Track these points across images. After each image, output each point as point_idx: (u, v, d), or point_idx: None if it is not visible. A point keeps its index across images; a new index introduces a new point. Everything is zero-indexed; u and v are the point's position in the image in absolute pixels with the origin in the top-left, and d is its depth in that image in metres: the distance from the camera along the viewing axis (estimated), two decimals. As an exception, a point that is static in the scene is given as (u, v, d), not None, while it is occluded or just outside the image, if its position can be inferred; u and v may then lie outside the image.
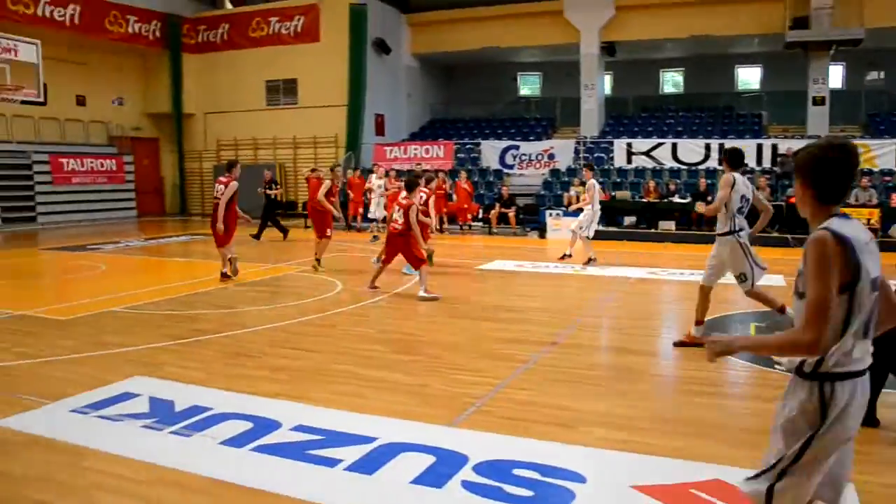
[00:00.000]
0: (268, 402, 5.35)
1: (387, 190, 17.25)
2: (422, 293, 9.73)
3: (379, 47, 24.52)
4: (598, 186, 13.24)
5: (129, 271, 12.49)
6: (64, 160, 22.70)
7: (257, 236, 17.51)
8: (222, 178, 11.13)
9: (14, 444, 4.54)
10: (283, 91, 25.41)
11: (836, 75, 25.09)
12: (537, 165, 22.42)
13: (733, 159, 7.14)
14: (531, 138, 24.90)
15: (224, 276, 11.20)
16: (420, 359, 6.74)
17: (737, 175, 7.00)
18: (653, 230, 18.53)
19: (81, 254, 15.10)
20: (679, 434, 4.87)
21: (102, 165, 23.84)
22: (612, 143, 23.14)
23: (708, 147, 21.35)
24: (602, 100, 25.86)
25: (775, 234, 17.37)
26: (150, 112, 26.97)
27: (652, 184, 19.46)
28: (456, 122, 28.33)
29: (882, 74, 26.23)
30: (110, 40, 23.40)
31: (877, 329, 2.53)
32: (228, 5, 27.69)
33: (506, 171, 22.57)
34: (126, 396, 5.46)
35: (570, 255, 13.57)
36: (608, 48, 25.16)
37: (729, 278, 7.47)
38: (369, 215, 18.87)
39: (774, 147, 20.87)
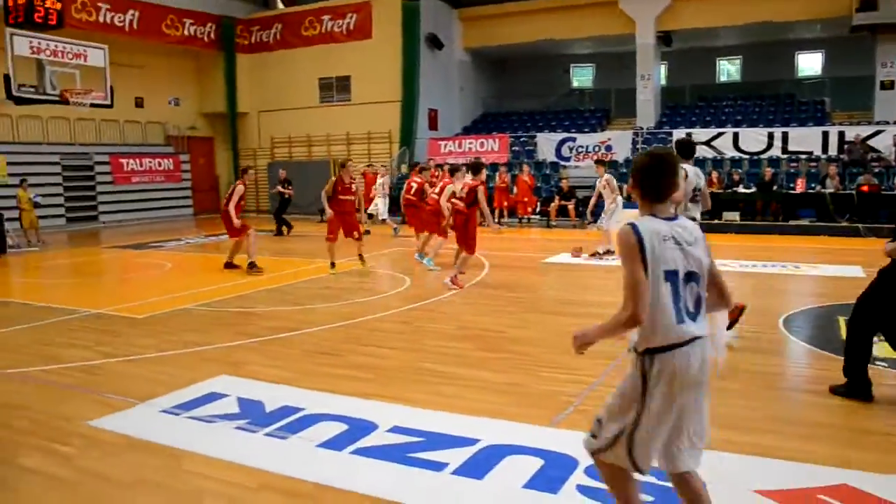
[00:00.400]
0: (359, 402, 5.21)
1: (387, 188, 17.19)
2: (447, 280, 10.00)
3: (431, 42, 24.39)
4: (614, 180, 13.01)
5: (194, 269, 12.56)
6: (124, 160, 23.13)
7: (278, 233, 18.22)
8: (237, 181, 12.05)
9: (112, 446, 4.48)
10: (336, 88, 25.45)
11: (903, 58, 24.13)
12: (594, 157, 22.00)
13: (682, 151, 7.25)
14: (586, 130, 24.51)
15: (252, 266, 11.59)
16: (505, 356, 6.54)
17: (687, 166, 7.01)
18: (716, 221, 18.04)
19: (145, 252, 15.29)
20: (794, 435, 4.61)
21: (160, 165, 24.23)
22: (670, 134, 22.60)
23: (771, 136, 20.74)
24: (658, 90, 25.31)
25: (845, 224, 16.81)
26: (205, 112, 27.31)
27: (715, 174, 18.94)
28: (509, 115, 28.04)
29: (953, 57, 25.16)
30: (167, 43, 23.78)
31: (708, 310, 2.94)
32: (281, 5, 27.85)
33: (562, 163, 22.23)
34: (214, 397, 5.38)
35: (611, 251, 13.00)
36: (664, 37, 24.60)
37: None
38: (370, 210, 17.94)
39: (841, 134, 20.14)
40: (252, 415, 4.96)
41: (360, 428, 4.66)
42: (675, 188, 2.92)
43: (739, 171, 19.80)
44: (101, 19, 20.55)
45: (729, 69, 28.54)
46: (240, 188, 11.79)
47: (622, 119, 26.25)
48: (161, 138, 25.60)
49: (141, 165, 23.62)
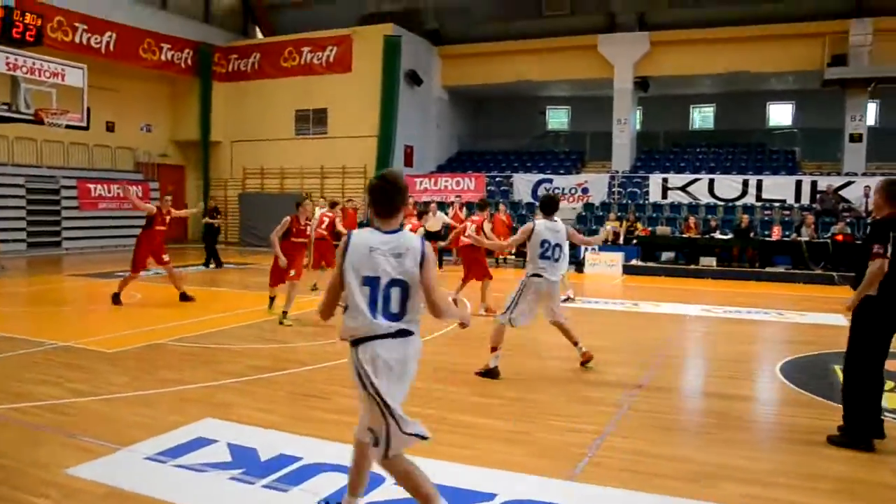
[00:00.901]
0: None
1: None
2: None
3: (411, 78, 24.33)
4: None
5: (165, 301, 12.04)
6: (91, 185, 22.46)
7: (206, 264, 17.59)
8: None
9: (92, 497, 4.05)
10: (312, 120, 25.22)
11: (870, 112, 24.75)
12: (570, 199, 22.02)
13: (543, 207, 7.36)
14: (561, 172, 24.60)
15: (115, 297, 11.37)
16: (506, 402, 6.24)
17: (538, 221, 7.13)
18: (693, 266, 18.05)
19: (112, 281, 14.62)
20: (820, 491, 4.44)
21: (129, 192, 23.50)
22: (645, 178, 22.82)
23: (746, 183, 20.99)
24: (634, 135, 25.54)
25: (819, 272, 16.92)
26: (176, 139, 26.83)
27: (692, 220, 19.01)
28: (484, 154, 28.06)
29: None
30: (143, 67, 23.39)
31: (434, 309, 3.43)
32: (260, 35, 27.67)
33: (538, 204, 22.12)
34: (201, 442, 4.97)
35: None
36: (641, 83, 24.92)
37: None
38: None
39: (814, 184, 20.47)
40: (246, 464, 4.57)
41: (365, 481, 4.31)
42: (397, 208, 3.40)
43: (714, 216, 19.95)
44: (77, 40, 20.09)
45: (702, 117, 28.98)
46: (151, 208, 11.52)
47: (597, 162, 26.43)
48: (131, 164, 25.04)
49: (109, 191, 22.94)
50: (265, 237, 23.96)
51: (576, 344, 7.50)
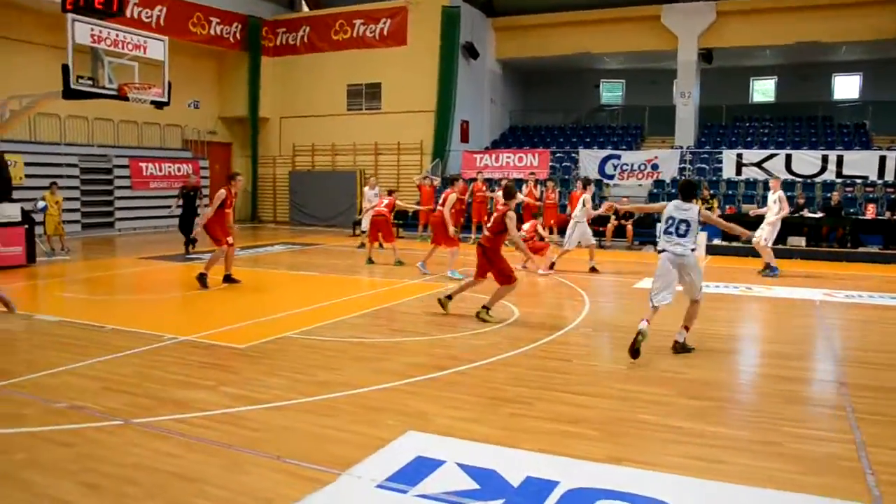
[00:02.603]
0: (613, 469, 4.21)
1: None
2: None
3: (468, 51, 23.43)
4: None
5: (256, 287, 11.44)
6: (143, 164, 21.82)
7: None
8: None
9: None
10: (365, 95, 24.39)
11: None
12: (640, 176, 21.18)
13: (680, 189, 7.56)
14: (623, 147, 23.72)
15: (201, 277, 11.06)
16: (717, 404, 5.60)
17: (672, 202, 7.35)
18: (780, 246, 17.21)
19: (187, 265, 14.09)
20: None
21: (179, 170, 22.87)
22: (714, 154, 21.97)
23: (825, 159, 20.04)
24: (697, 108, 24.57)
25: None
26: (224, 116, 26.12)
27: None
28: (539, 129, 27.17)
29: None
30: (193, 42, 22.63)
31: None
32: (305, 8, 26.80)
33: (605, 181, 21.32)
34: (426, 463, 4.31)
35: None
36: (705, 55, 23.92)
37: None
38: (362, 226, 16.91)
39: (901, 158, 19.52)
40: (501, 491, 3.91)
41: (661, 514, 3.66)
42: None
43: (792, 193, 19.07)
44: (128, 14, 19.34)
45: (763, 89, 27.97)
46: (221, 192, 11.15)
47: (656, 137, 25.53)
48: (179, 142, 24.37)
49: (160, 170, 22.32)
50: (317, 216, 23.56)
51: (686, 328, 7.38)
